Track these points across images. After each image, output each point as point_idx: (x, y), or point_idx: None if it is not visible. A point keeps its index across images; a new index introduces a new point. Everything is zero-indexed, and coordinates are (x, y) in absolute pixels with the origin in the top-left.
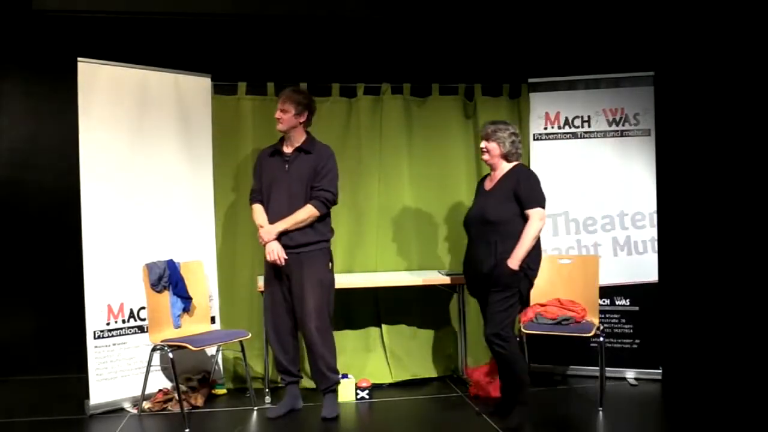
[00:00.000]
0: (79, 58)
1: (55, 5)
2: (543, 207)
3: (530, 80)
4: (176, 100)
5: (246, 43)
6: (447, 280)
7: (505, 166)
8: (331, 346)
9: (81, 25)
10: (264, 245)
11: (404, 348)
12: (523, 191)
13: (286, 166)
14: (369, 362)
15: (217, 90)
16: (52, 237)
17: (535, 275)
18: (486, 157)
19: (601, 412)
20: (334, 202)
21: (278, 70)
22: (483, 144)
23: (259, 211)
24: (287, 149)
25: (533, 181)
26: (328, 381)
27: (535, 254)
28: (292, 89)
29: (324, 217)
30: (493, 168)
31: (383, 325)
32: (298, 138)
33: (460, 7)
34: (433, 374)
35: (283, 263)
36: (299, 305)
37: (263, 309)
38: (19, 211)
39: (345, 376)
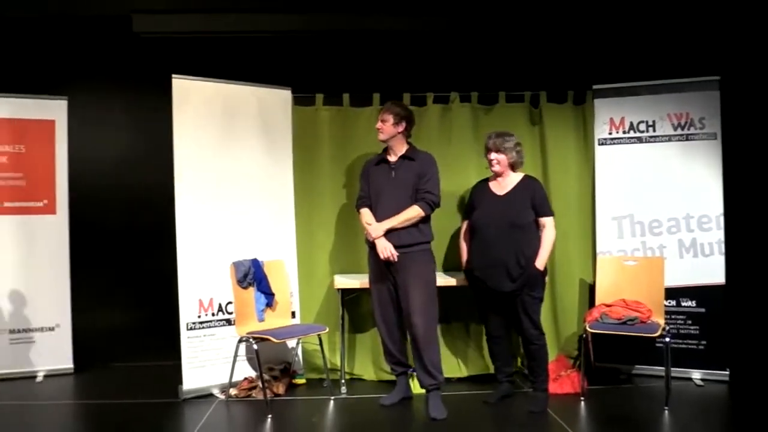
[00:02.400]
0: (173, 75)
1: (152, 27)
2: (553, 215)
3: (595, 87)
4: (259, 111)
5: (323, 57)
6: None
7: (514, 176)
8: (435, 344)
9: (174, 45)
10: (372, 241)
11: (473, 343)
12: (540, 202)
13: (392, 173)
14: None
15: (297, 101)
16: (150, 238)
17: None
18: (497, 168)
19: (666, 412)
20: (438, 205)
21: (353, 81)
22: (493, 156)
23: (366, 213)
24: (392, 158)
25: (544, 192)
26: (432, 379)
27: None
28: (392, 102)
29: (426, 219)
30: (500, 176)
31: (453, 321)
32: (400, 147)
33: (525, 17)
34: None
35: (396, 259)
36: (405, 303)
37: (372, 305)
38: (121, 215)
39: (415, 369)
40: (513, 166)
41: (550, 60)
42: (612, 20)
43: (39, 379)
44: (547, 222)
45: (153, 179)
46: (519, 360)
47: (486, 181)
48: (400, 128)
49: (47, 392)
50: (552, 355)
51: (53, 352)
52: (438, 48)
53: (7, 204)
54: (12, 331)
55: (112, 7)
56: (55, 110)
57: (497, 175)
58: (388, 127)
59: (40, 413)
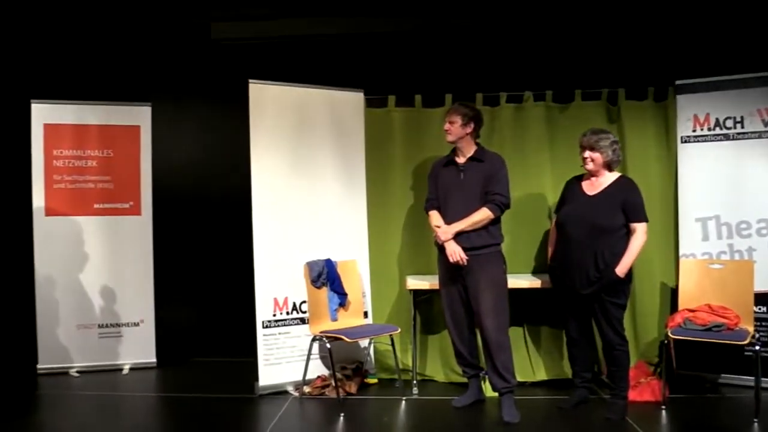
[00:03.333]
0: (249, 80)
1: (229, 34)
2: (647, 221)
3: (677, 82)
4: (333, 113)
5: (395, 58)
6: None
7: (609, 175)
8: (507, 346)
9: (250, 51)
10: (442, 244)
11: (548, 347)
12: (632, 205)
13: (461, 174)
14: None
15: (369, 103)
16: (227, 239)
17: None
18: (590, 166)
19: (756, 424)
20: (507, 206)
21: (424, 82)
22: (587, 154)
23: (435, 216)
24: (460, 159)
25: (640, 195)
26: (504, 381)
27: None
28: (459, 102)
29: (496, 221)
30: (594, 175)
31: (525, 325)
32: (469, 148)
33: (602, 9)
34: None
35: (466, 263)
36: (475, 305)
37: (443, 307)
38: (200, 216)
39: (486, 371)
40: (609, 166)
41: (628, 55)
42: (696, 10)
43: (125, 371)
44: (639, 228)
45: (231, 181)
46: (596, 366)
47: (580, 178)
48: (469, 129)
49: (132, 384)
50: (632, 361)
51: (138, 347)
52: (511, 46)
53: (96, 206)
54: (101, 326)
55: (191, 17)
56: (140, 116)
57: (591, 174)
58: (456, 128)
59: (125, 404)
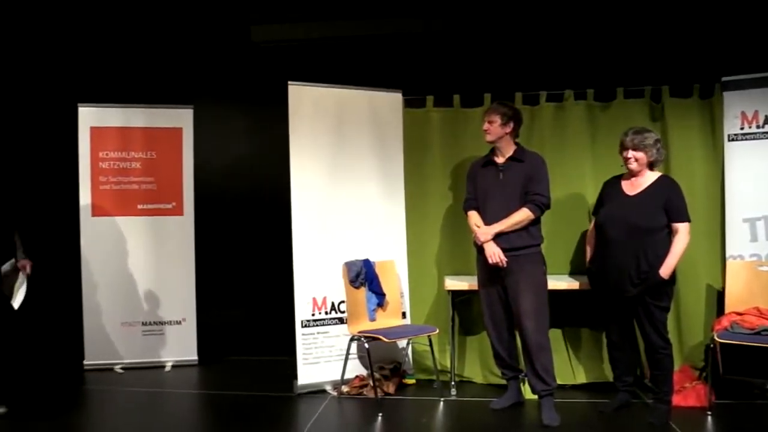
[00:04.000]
0: (289, 82)
1: (269, 36)
2: (690, 221)
3: (723, 79)
4: (371, 114)
5: (434, 58)
6: None
7: (650, 175)
8: (547, 348)
9: (289, 52)
10: (481, 245)
11: (589, 350)
12: (675, 205)
13: (500, 174)
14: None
15: (408, 104)
16: (267, 239)
17: None
18: (634, 166)
19: None
20: (548, 207)
21: (463, 82)
22: (630, 153)
23: (474, 216)
24: (499, 159)
25: (682, 195)
26: (544, 384)
27: None
28: (498, 102)
29: (536, 222)
30: (635, 175)
31: (566, 327)
32: (508, 148)
33: (647, 6)
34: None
35: (505, 265)
36: (515, 306)
37: (482, 308)
38: (240, 216)
39: (526, 373)
40: (651, 165)
41: (673, 51)
42: (744, 3)
43: (167, 369)
44: (681, 228)
45: (271, 182)
46: (639, 369)
47: (619, 177)
48: (508, 129)
49: (174, 381)
50: (676, 365)
51: (180, 345)
52: (552, 44)
53: (140, 206)
54: (144, 324)
55: (232, 21)
56: (182, 119)
57: (632, 174)
58: (495, 128)
59: (167, 400)
